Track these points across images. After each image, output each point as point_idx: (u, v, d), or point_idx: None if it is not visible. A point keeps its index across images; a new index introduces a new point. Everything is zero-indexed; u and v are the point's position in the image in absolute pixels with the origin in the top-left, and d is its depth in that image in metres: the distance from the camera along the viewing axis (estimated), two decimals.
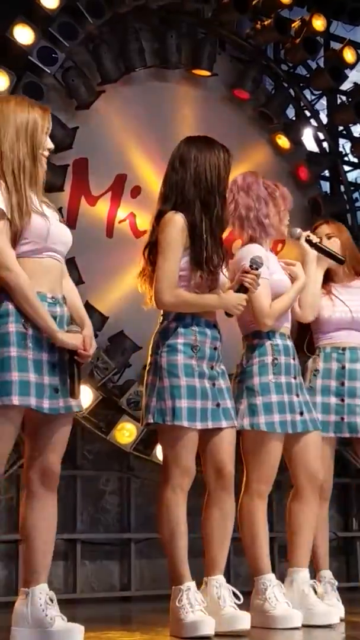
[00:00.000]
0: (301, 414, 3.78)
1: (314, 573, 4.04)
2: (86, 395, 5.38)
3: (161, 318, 3.52)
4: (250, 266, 3.50)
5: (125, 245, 6.20)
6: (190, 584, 3.32)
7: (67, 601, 5.17)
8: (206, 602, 3.33)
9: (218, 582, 3.40)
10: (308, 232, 4.08)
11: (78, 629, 2.97)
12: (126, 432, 5.61)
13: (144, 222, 6.31)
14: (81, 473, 5.75)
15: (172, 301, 3.40)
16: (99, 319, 5.78)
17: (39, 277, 3.01)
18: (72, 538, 5.62)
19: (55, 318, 3.02)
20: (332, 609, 3.74)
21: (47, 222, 3.06)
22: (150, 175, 6.32)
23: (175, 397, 3.37)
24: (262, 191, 3.83)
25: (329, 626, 3.62)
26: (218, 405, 3.45)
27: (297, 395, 3.79)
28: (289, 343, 3.85)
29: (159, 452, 5.62)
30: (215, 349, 3.49)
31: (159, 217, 3.49)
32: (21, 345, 2.93)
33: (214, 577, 3.41)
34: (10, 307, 2.95)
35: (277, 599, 3.58)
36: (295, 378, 3.81)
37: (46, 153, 3.14)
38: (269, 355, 3.75)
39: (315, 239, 4.06)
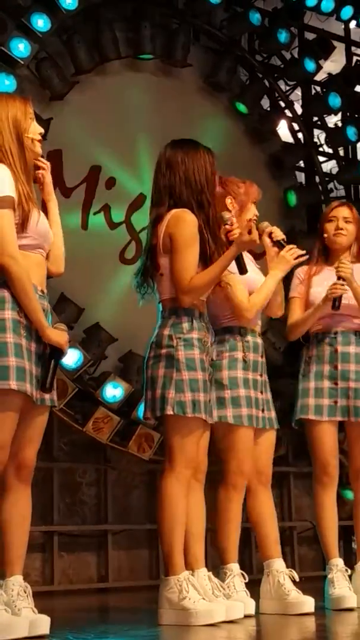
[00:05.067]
0: (262, 411, 3.84)
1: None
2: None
3: (166, 312, 3.49)
4: (225, 224, 3.54)
5: (100, 237, 6.19)
6: (187, 573, 3.35)
7: (45, 593, 5.18)
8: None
9: (204, 574, 3.46)
10: (272, 228, 3.94)
11: (45, 620, 2.95)
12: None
13: (119, 213, 6.31)
14: (58, 465, 5.74)
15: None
16: (74, 311, 5.77)
17: (32, 270, 3.04)
18: (49, 530, 5.62)
19: (43, 311, 3.06)
20: (307, 598, 3.71)
21: (44, 219, 3.11)
22: (125, 166, 6.32)
23: (194, 391, 3.41)
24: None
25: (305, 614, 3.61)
26: (209, 400, 3.53)
27: (261, 393, 3.86)
28: (259, 341, 3.89)
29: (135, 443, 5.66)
30: (210, 343, 3.57)
31: (157, 220, 3.51)
32: (17, 333, 2.96)
33: (198, 570, 3.47)
34: (7, 294, 2.96)
35: (235, 587, 3.67)
36: (261, 376, 3.87)
37: (37, 137, 3.13)
38: (239, 351, 3.81)
39: (279, 236, 3.92)
